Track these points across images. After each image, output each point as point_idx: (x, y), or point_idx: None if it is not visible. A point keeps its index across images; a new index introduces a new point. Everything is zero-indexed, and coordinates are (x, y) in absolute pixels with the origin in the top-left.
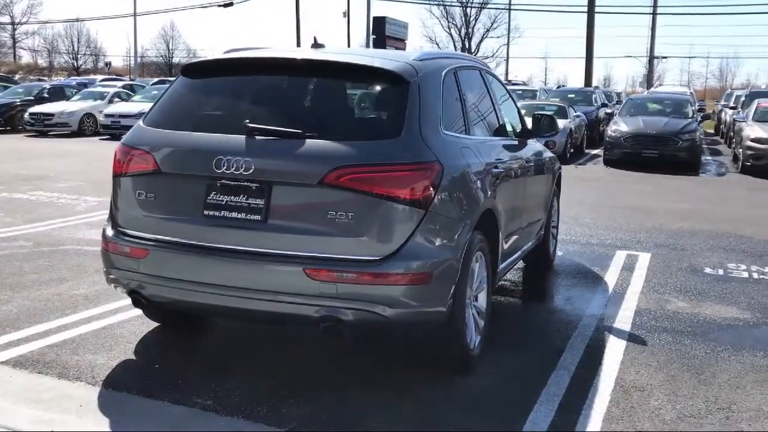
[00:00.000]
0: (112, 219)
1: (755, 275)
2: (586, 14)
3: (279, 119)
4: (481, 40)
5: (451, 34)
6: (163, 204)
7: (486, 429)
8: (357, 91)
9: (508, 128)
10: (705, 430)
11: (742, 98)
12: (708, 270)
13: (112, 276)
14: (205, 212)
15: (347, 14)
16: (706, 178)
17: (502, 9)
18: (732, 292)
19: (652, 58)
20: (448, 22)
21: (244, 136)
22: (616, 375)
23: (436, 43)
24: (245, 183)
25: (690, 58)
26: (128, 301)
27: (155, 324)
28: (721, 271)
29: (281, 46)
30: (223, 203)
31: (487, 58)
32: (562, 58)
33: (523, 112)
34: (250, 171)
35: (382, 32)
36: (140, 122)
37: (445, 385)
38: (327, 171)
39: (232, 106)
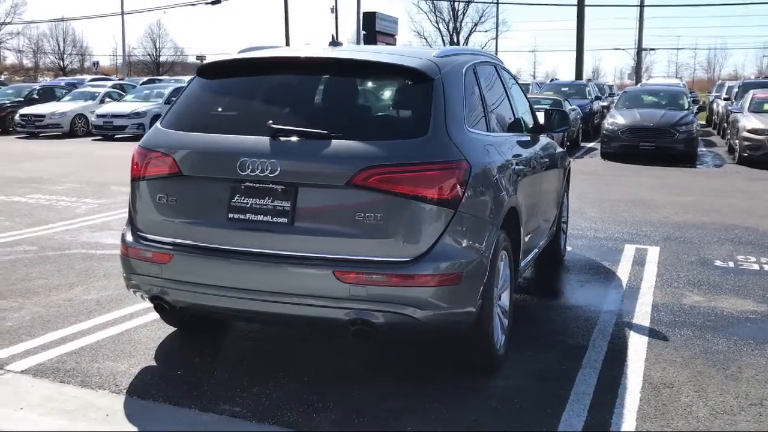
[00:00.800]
0: (132, 223)
1: (766, 267)
2: (573, 7)
3: (302, 119)
4: (469, 35)
5: (439, 29)
6: (185, 207)
7: (520, 430)
8: (380, 90)
9: (522, 124)
10: (740, 428)
11: (735, 89)
12: (718, 263)
13: (133, 281)
14: (230, 215)
15: (335, 10)
16: (704, 169)
17: (490, 3)
18: (745, 284)
19: (640, 50)
20: (436, 16)
21: (267, 137)
22: (643, 372)
23: (425, 38)
24: (270, 185)
25: (678, 49)
26: (142, 305)
27: (172, 329)
28: (731, 264)
29: (297, 45)
30: (248, 206)
31: None
32: (551, 51)
33: None
34: (276, 173)
35: (372, 28)
36: (158, 124)
37: (473, 386)
38: (355, 172)
39: (252, 106)
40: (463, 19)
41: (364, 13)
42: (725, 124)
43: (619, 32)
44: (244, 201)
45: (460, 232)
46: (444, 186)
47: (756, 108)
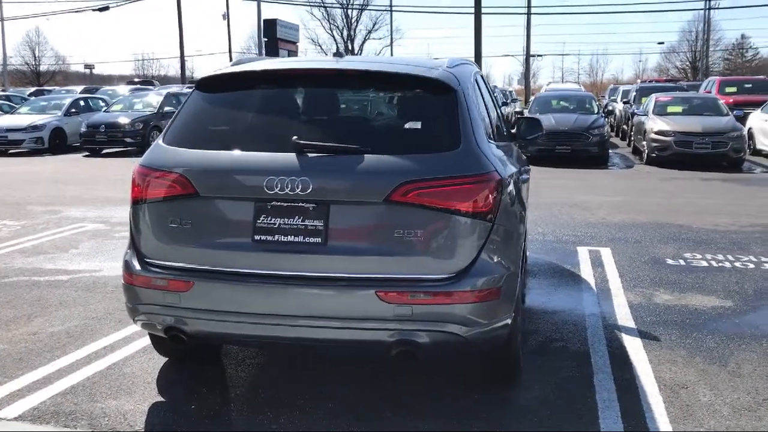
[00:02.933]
0: (135, 249)
1: (713, 263)
2: (465, 15)
3: (326, 134)
4: (363, 42)
5: (333, 36)
6: (203, 230)
7: None
8: (404, 102)
9: (504, 131)
10: (765, 423)
11: (633, 93)
12: (670, 261)
13: (141, 312)
14: (256, 237)
15: (227, 17)
16: (619, 171)
17: (383, 10)
18: (703, 281)
19: (528, 56)
20: (330, 23)
21: (294, 154)
22: (653, 374)
23: (319, 45)
24: (300, 204)
25: (563, 55)
26: (118, 335)
27: (162, 360)
28: (682, 262)
29: (304, 57)
30: (276, 226)
31: None
32: (445, 58)
33: None
34: (308, 191)
35: (273, 34)
36: (159, 142)
37: (502, 400)
38: (393, 187)
39: (270, 121)
40: (356, 26)
41: (264, 20)
42: (624, 126)
43: (508, 39)
44: (271, 221)
45: (497, 245)
46: (482, 199)
47: (660, 111)
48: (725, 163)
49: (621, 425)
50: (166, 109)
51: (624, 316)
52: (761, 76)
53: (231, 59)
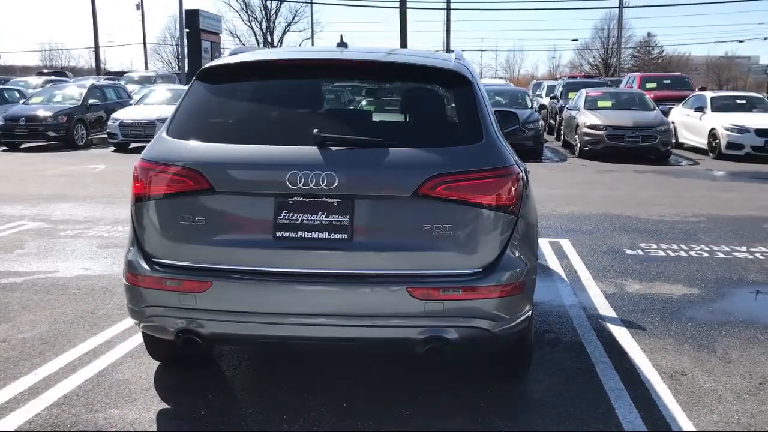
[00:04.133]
0: (140, 248)
1: (669, 253)
2: (388, 8)
3: (347, 127)
4: (283, 34)
5: (252, 28)
6: (218, 228)
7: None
8: (422, 94)
9: None
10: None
11: (560, 88)
12: (629, 251)
13: (149, 315)
14: (277, 234)
15: (141, 6)
16: (553, 164)
17: (304, 2)
18: (665, 270)
19: (448, 51)
20: (248, 15)
21: (315, 147)
22: (650, 362)
23: (237, 37)
24: (324, 199)
25: (482, 51)
26: (98, 340)
27: (153, 364)
28: (640, 252)
29: (309, 47)
30: (298, 222)
31: None
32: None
33: None
34: (334, 185)
35: (195, 25)
36: (163, 134)
37: (513, 392)
38: (422, 181)
39: (284, 114)
40: (276, 18)
41: (186, 11)
42: (552, 121)
43: (428, 35)
44: (294, 217)
45: (521, 238)
46: (506, 192)
47: (591, 106)
48: (653, 156)
49: (637, 414)
50: (91, 101)
51: (603, 306)
52: (678, 73)
53: (146, 51)
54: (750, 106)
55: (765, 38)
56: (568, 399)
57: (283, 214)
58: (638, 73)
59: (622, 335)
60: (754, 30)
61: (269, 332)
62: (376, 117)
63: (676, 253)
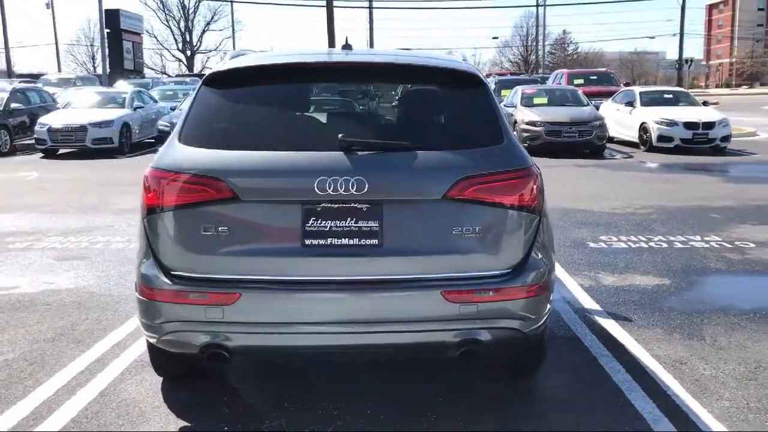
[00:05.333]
0: (158, 262)
1: (631, 245)
2: (311, 7)
3: (371, 131)
4: (202, 33)
5: (170, 28)
6: (244, 237)
7: (620, 429)
8: (439, 96)
9: None
10: None
11: (492, 86)
12: (593, 245)
13: (170, 331)
14: (306, 241)
15: (51, 5)
16: None
17: (224, 1)
18: (633, 261)
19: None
20: (166, 14)
21: (341, 152)
22: (648, 353)
23: (155, 37)
24: (353, 204)
25: (405, 50)
26: (88, 359)
27: (156, 381)
28: (603, 245)
29: (316, 49)
30: (327, 229)
31: (210, 51)
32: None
33: None
34: (364, 190)
35: (116, 25)
36: (175, 141)
37: (529, 389)
38: (452, 184)
39: (304, 118)
40: (194, 17)
41: (106, 11)
42: None
43: (351, 33)
44: (322, 224)
45: (543, 238)
46: (529, 192)
47: (527, 102)
48: (588, 150)
49: (654, 405)
50: (14, 106)
51: (586, 300)
52: (604, 69)
53: (58, 52)
54: (676, 100)
55: (674, 35)
56: (584, 394)
57: (311, 222)
58: (566, 70)
59: (612, 328)
60: (664, 26)
61: (301, 342)
62: (397, 120)
63: (638, 245)
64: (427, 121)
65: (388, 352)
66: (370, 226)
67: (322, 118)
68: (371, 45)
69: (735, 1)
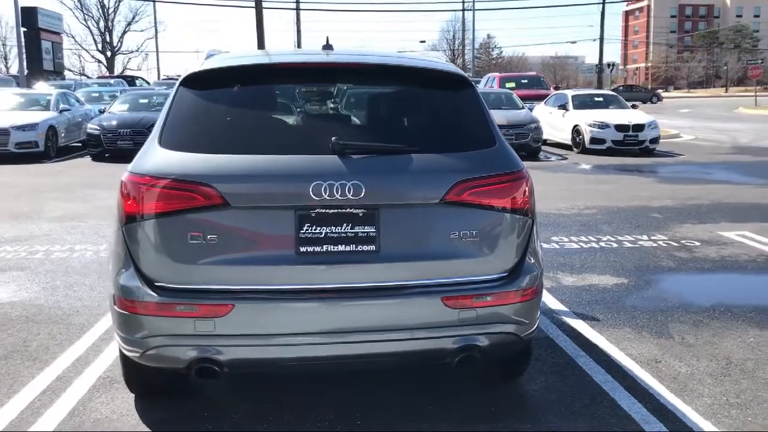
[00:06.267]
0: (139, 273)
1: (582, 245)
2: (237, 7)
3: (364, 134)
4: (123, 34)
5: (88, 27)
6: (234, 246)
7: (608, 429)
8: (428, 98)
9: None
10: (744, 384)
11: None
12: (545, 245)
13: (155, 346)
14: (301, 249)
15: None
16: None
17: (146, 1)
18: (587, 262)
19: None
20: (84, 13)
21: (335, 156)
22: (622, 352)
23: (72, 37)
24: (348, 210)
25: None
26: (48, 377)
27: (127, 398)
28: (556, 246)
29: (292, 50)
30: (322, 236)
31: (131, 52)
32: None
33: None
34: (360, 195)
35: (34, 24)
36: (155, 145)
37: (516, 393)
38: (449, 187)
39: (292, 121)
40: (114, 17)
41: (22, 8)
42: None
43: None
44: (317, 230)
45: (534, 242)
46: (522, 195)
47: None
48: (524, 153)
49: (640, 405)
50: None
51: (551, 301)
52: (533, 72)
53: None
54: (606, 103)
55: (594, 40)
56: (569, 395)
57: (305, 228)
58: (497, 74)
59: (582, 328)
60: (585, 32)
61: (298, 354)
62: (389, 122)
63: (589, 245)
64: (420, 123)
65: (386, 361)
66: (367, 232)
67: (311, 120)
68: (299, 46)
69: (650, 8)
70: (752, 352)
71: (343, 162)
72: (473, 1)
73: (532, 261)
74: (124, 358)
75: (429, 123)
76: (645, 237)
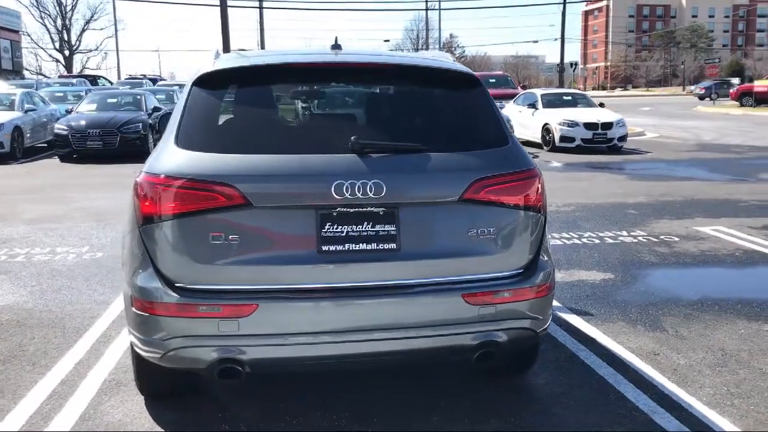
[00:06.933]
0: (159, 274)
1: (565, 241)
2: (198, 5)
3: (382, 132)
4: (81, 32)
5: (45, 26)
6: (256, 245)
7: (618, 422)
8: (440, 97)
9: None
10: (741, 374)
11: None
12: None
13: (175, 348)
14: (323, 248)
15: None
16: None
17: None
18: (573, 258)
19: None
20: (40, 11)
21: (354, 155)
22: (621, 346)
23: (29, 35)
24: (369, 208)
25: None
26: (52, 381)
27: (137, 399)
28: None
29: (300, 49)
30: (344, 235)
31: (90, 51)
32: (179, 51)
33: None
34: (381, 194)
35: None
36: (171, 145)
37: (523, 388)
38: (467, 185)
39: (309, 120)
40: (72, 15)
41: None
42: None
43: (242, 33)
44: (338, 229)
45: (546, 238)
46: (536, 192)
47: None
48: None
49: (646, 397)
50: None
51: None
52: (500, 72)
53: None
54: (575, 102)
55: (555, 39)
56: (576, 388)
57: (327, 227)
58: None
59: (578, 323)
60: (546, 31)
61: (321, 352)
62: (405, 121)
63: (571, 241)
64: (435, 122)
65: (407, 359)
66: (387, 230)
67: (327, 119)
68: (262, 46)
69: (608, 8)
70: (744, 343)
71: (363, 161)
72: (438, 0)
73: (546, 258)
74: (137, 360)
75: (444, 122)
76: (624, 233)
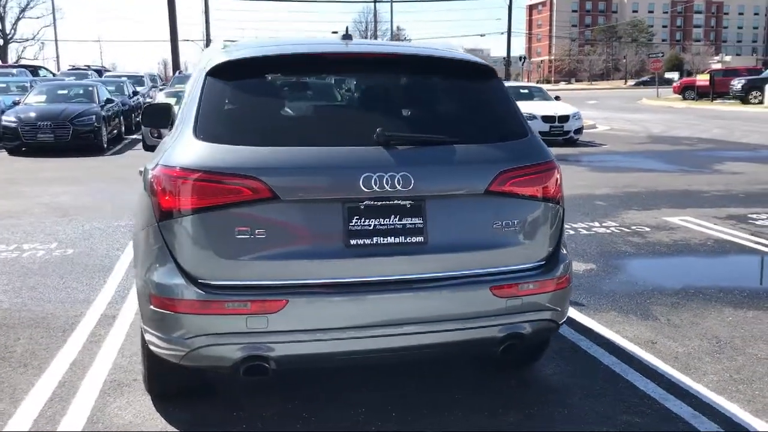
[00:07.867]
0: (181, 270)
1: None
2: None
3: (406, 124)
4: (16, 21)
5: None
6: (283, 240)
7: (633, 410)
8: (461, 89)
9: None
10: (740, 361)
11: None
12: None
13: (200, 347)
14: (351, 241)
15: None
16: None
17: None
18: None
19: (208, 41)
20: None
21: (381, 147)
22: (618, 335)
23: None
24: (396, 201)
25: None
26: (50, 382)
27: (145, 400)
28: None
29: (310, 38)
30: (371, 228)
31: (27, 40)
32: (121, 41)
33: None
34: (409, 187)
35: None
36: (190, 137)
37: (533, 380)
38: (493, 177)
39: (332, 111)
40: (7, 3)
41: None
42: None
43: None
44: (366, 223)
45: (563, 230)
46: (555, 183)
47: None
48: None
49: (655, 385)
50: None
51: None
52: None
53: None
54: (531, 95)
55: (501, 33)
56: (586, 378)
57: (354, 221)
58: None
59: (573, 313)
60: (492, 25)
61: (350, 347)
62: (427, 113)
63: None
64: (458, 114)
65: (436, 352)
66: (414, 223)
67: (350, 111)
68: (207, 36)
69: (552, 3)
70: (735, 330)
71: (389, 153)
72: None
73: (564, 251)
74: (149, 358)
75: (467, 114)
76: (597, 224)
